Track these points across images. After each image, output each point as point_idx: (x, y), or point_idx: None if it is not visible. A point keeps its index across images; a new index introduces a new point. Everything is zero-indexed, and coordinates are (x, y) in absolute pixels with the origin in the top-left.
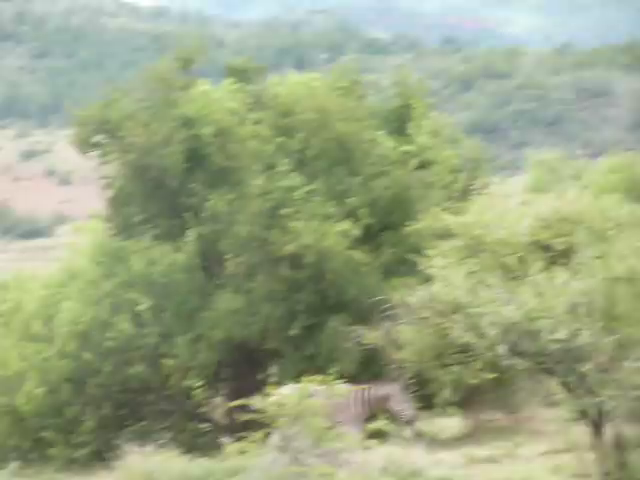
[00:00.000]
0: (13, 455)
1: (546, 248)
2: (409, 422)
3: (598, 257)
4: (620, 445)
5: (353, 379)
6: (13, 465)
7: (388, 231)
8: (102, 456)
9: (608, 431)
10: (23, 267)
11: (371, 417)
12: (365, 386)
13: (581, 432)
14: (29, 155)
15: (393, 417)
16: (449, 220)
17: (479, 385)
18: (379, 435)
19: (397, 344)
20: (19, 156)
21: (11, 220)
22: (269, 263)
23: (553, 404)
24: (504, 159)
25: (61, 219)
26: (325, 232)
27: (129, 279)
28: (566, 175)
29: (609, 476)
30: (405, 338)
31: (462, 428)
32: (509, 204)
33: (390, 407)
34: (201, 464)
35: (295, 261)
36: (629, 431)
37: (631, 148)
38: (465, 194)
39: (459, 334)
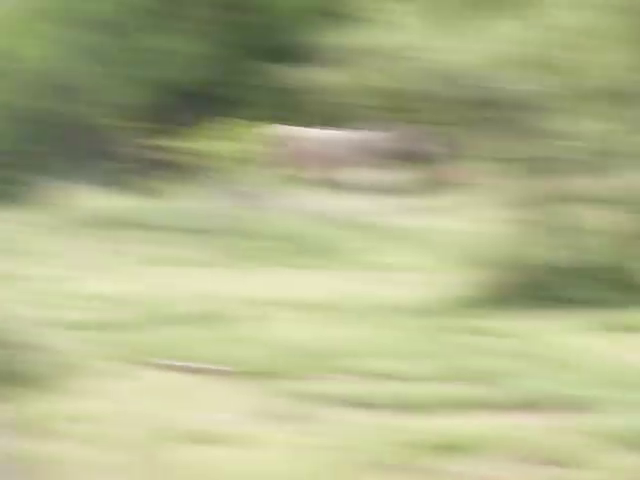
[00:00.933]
0: None
1: None
2: (432, 162)
3: (547, 5)
4: (548, 196)
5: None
6: None
7: None
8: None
9: (539, 184)
10: None
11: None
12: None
13: (512, 185)
14: None
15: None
16: None
17: None
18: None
19: (329, 88)
20: None
21: None
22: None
23: (486, 158)
24: None
25: None
26: None
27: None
28: None
29: (534, 224)
30: (337, 82)
31: (405, 180)
32: None
33: (399, 149)
34: (127, 203)
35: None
36: (558, 184)
37: None
38: None
39: (398, 80)
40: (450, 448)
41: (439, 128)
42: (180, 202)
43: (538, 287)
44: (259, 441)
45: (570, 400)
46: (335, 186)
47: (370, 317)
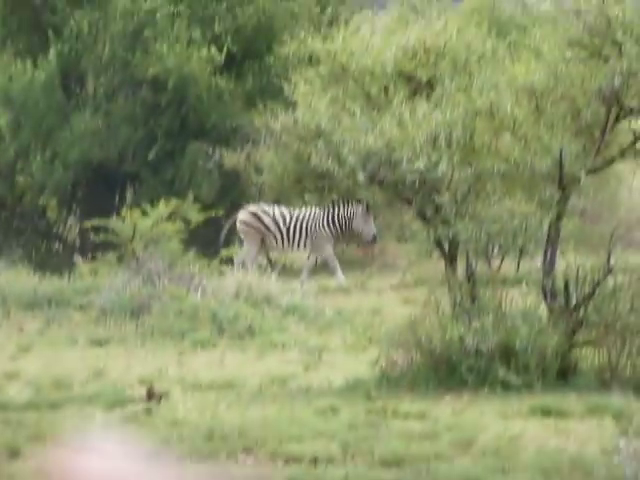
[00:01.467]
0: None
1: (409, 78)
2: (370, 242)
3: (460, 90)
4: (471, 278)
5: (211, 206)
6: None
7: (252, 59)
8: None
9: (460, 265)
10: None
11: (338, 237)
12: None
13: (433, 267)
14: None
15: (356, 237)
16: (315, 47)
17: None
18: (232, 261)
19: (258, 168)
20: None
21: None
22: (130, 85)
23: (406, 239)
24: None
25: None
26: (188, 56)
27: None
28: (430, 14)
29: (459, 307)
30: (266, 163)
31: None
32: (375, 35)
33: (354, 228)
34: (52, 283)
35: (157, 84)
36: (479, 266)
37: None
38: (331, 25)
39: (320, 160)
40: None
41: (355, 208)
42: (102, 281)
43: (456, 369)
44: None
45: None
46: (259, 265)
47: (282, 398)
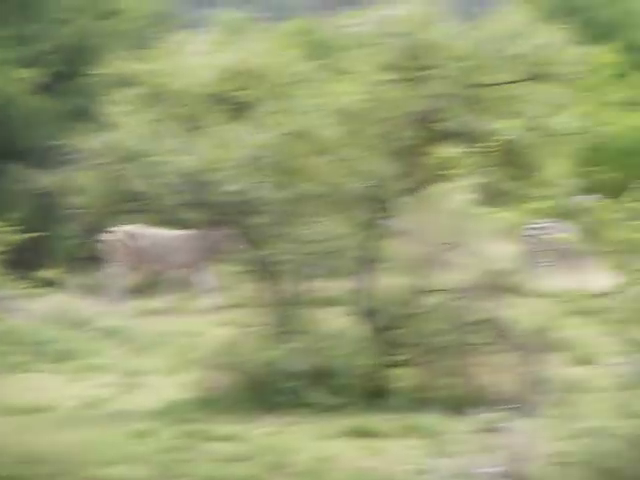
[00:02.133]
0: None
1: (227, 100)
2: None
3: (277, 112)
4: (287, 300)
5: (31, 228)
6: None
7: (71, 79)
8: None
9: (274, 287)
10: None
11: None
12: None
13: (250, 288)
14: None
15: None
16: (132, 67)
17: None
18: (50, 284)
19: (75, 190)
20: None
21: None
22: None
23: (223, 261)
24: (188, 16)
25: None
26: (6, 77)
27: None
28: (249, 36)
29: (275, 328)
30: (82, 184)
31: (132, 281)
32: (193, 56)
33: (225, 249)
34: None
35: None
36: (298, 287)
37: (311, 12)
38: (150, 45)
39: (135, 182)
40: None
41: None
42: None
43: (272, 391)
44: None
45: None
46: (75, 287)
47: (97, 421)
